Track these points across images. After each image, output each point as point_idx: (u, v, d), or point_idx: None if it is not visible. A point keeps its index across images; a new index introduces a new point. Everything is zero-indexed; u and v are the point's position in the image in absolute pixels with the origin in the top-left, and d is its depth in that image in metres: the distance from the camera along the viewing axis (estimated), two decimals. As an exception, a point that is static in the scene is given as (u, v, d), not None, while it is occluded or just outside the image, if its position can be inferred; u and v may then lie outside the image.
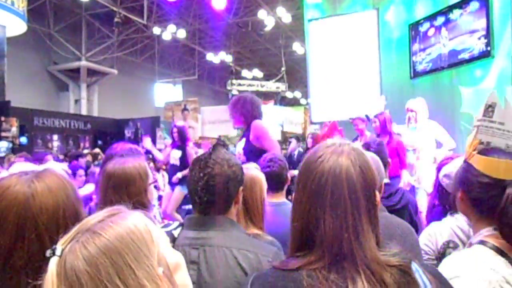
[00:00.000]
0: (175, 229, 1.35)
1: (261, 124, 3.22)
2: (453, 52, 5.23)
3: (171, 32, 15.07)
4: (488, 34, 4.71)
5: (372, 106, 5.86)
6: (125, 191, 1.54)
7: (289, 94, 22.60)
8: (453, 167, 1.79)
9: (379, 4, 6.41)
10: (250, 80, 20.11)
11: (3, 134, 9.08)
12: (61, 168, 1.93)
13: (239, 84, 19.05)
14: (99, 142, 12.29)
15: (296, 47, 17.70)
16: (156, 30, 14.82)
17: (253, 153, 3.12)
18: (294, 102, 24.00)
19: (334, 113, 6.46)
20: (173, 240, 1.31)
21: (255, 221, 1.75)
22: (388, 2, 6.37)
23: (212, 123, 19.32)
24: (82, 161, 5.37)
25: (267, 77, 21.71)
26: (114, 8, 13.10)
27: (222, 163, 1.35)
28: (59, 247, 0.64)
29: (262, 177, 1.83)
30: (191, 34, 16.93)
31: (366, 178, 0.87)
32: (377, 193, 0.90)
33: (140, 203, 1.56)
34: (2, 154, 8.29)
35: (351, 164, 0.87)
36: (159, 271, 0.68)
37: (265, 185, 1.83)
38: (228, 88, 18.94)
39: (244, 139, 3.23)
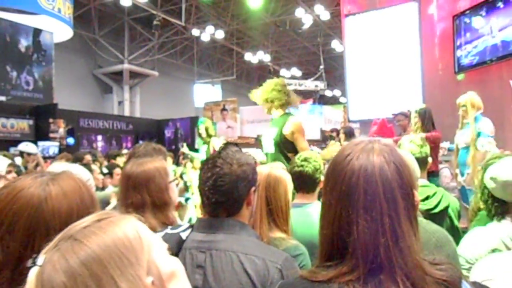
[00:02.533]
0: (183, 231, 1.30)
1: (300, 123, 3.15)
2: (503, 43, 4.89)
3: (209, 33, 15.26)
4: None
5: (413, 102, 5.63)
6: (145, 189, 1.53)
7: (328, 93, 22.26)
8: (502, 169, 1.64)
9: (421, -4, 6.12)
10: (289, 79, 19.98)
11: (51, 135, 9.52)
12: (81, 168, 1.94)
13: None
14: (141, 142, 12.63)
15: (335, 44, 17.38)
16: (195, 31, 15.05)
17: (283, 144, 3.08)
18: (333, 101, 23.61)
19: (374, 111, 6.25)
20: (181, 242, 1.27)
21: (278, 223, 1.68)
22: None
23: (251, 122, 19.40)
24: (120, 160, 5.50)
25: (305, 76, 21.49)
26: (154, 12, 13.43)
27: (231, 162, 1.29)
28: (41, 256, 0.59)
29: (287, 178, 1.75)
30: (229, 34, 17.05)
31: (402, 175, 0.78)
32: (415, 192, 0.81)
33: (161, 200, 1.54)
34: (51, 154, 8.70)
35: (385, 161, 0.78)
36: (147, 280, 0.62)
37: (290, 186, 1.75)
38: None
39: (275, 129, 3.15)
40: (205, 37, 15.45)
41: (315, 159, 2.16)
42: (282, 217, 1.68)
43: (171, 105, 17.72)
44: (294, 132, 3.10)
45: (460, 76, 5.63)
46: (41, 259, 0.59)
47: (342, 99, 24.88)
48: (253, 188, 1.33)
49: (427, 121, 4.09)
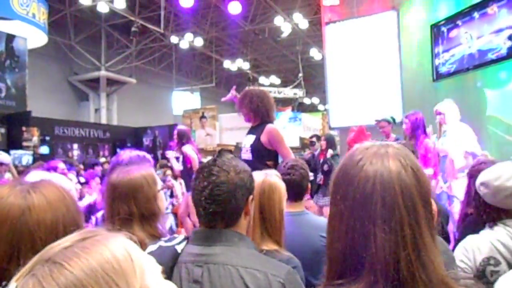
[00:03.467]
0: (178, 243, 1.22)
1: (277, 130, 3.10)
2: (479, 52, 5.01)
3: (188, 40, 15.16)
4: (516, 32, 4.48)
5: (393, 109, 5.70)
6: (133, 200, 1.44)
7: (306, 100, 22.43)
8: (493, 175, 1.63)
9: (399, 5, 6.23)
10: (268, 87, 20.03)
11: (25, 144, 9.20)
12: (61, 177, 1.84)
13: (257, 91, 18.97)
14: (118, 151, 12.39)
15: (313, 52, 17.57)
16: (174, 39, 14.93)
17: (260, 152, 3.02)
18: (311, 109, 23.81)
19: (354, 118, 6.30)
20: (176, 256, 1.19)
21: (271, 233, 1.62)
22: (408, 2, 6.18)
23: (230, 130, 19.34)
24: (98, 169, 5.35)
25: (284, 84, 21.61)
26: (132, 18, 13.26)
27: (228, 170, 1.21)
28: (12, 284, 0.50)
29: (282, 186, 1.70)
30: (208, 42, 17.00)
31: (420, 181, 0.72)
32: (432, 200, 0.75)
33: (150, 211, 1.46)
34: (24, 164, 8.39)
35: (401, 166, 0.71)
36: None
37: (285, 195, 1.70)
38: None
39: (253, 136, 3.11)
40: (184, 44, 15.34)
41: (301, 166, 2.12)
42: (275, 227, 1.62)
43: (149, 113, 17.47)
44: (272, 140, 3.04)
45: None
46: (12, 286, 0.50)
47: (320, 107, 25.17)
48: (251, 197, 1.26)
49: (419, 128, 4.13)
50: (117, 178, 1.47)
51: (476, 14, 5.02)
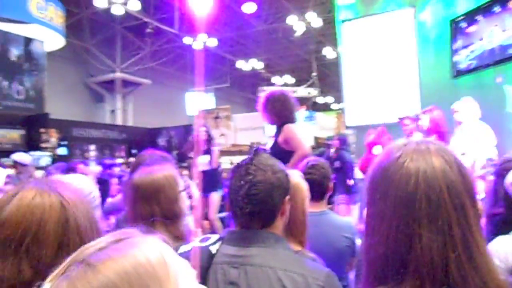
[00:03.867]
0: (213, 244, 1.20)
1: (292, 127, 3.04)
2: (500, 47, 4.89)
3: (202, 41, 15.20)
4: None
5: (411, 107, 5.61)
6: (155, 201, 1.44)
7: (320, 100, 22.29)
8: None
9: (416, 1, 6.12)
10: (282, 86, 19.98)
11: (43, 145, 9.35)
12: (82, 178, 1.84)
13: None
14: (134, 151, 12.49)
15: (327, 51, 17.45)
16: (187, 39, 14.99)
17: (279, 155, 2.95)
18: (326, 108, 23.66)
19: (371, 116, 6.21)
20: (211, 256, 1.16)
21: (295, 234, 1.59)
22: (426, -1, 6.08)
23: (244, 130, 19.35)
24: (116, 170, 5.39)
25: (298, 83, 21.52)
26: (147, 20, 13.37)
27: (265, 169, 1.19)
28: (46, 285, 0.50)
29: (305, 186, 1.68)
30: (221, 42, 17.03)
31: (465, 178, 0.68)
32: (478, 199, 0.73)
33: (172, 212, 1.45)
34: (43, 165, 8.53)
35: (445, 163, 0.68)
36: None
37: (307, 195, 1.68)
38: (259, 95, 18.87)
39: (273, 139, 3.09)
40: (198, 45, 15.39)
41: (322, 165, 2.09)
42: (298, 227, 1.60)
43: (164, 113, 17.60)
44: (288, 139, 2.98)
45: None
46: (46, 287, 0.49)
47: (334, 106, 25.00)
48: (287, 197, 1.23)
49: (438, 124, 4.06)
50: (140, 178, 1.47)
51: (497, 8, 4.90)
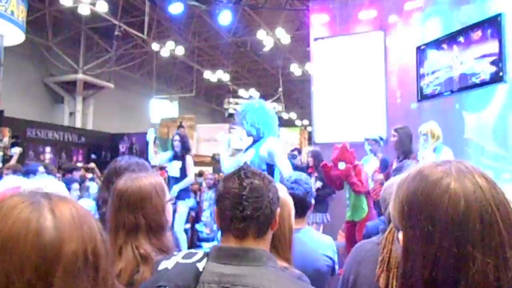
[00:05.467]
0: (199, 260, 1.11)
1: (278, 143, 3.06)
2: (463, 76, 5.15)
3: (169, 49, 15.01)
4: (500, 58, 4.64)
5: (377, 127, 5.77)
6: (140, 210, 1.35)
7: (284, 115, 22.56)
8: None
9: (386, 25, 6.37)
10: (247, 100, 20.07)
11: (-6, 144, 8.80)
12: (57, 183, 1.72)
13: (236, 103, 19.06)
14: (93, 156, 12.02)
15: (294, 68, 17.74)
16: (155, 46, 14.75)
17: (259, 167, 2.92)
18: (289, 123, 23.96)
19: (339, 134, 6.33)
20: (197, 275, 1.07)
21: (280, 251, 1.55)
22: (395, 23, 6.32)
23: (207, 141, 19.20)
24: (76, 175, 5.14)
25: (263, 97, 21.68)
26: (116, 22, 13.03)
27: (261, 176, 1.16)
28: None
29: (291, 202, 1.64)
30: (189, 51, 16.90)
31: (507, 199, 0.68)
32: None
33: (158, 223, 1.36)
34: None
35: (488, 182, 0.67)
36: None
37: (293, 211, 1.64)
38: (225, 106, 18.90)
39: (252, 150, 3.04)
40: (165, 52, 15.18)
41: (305, 180, 2.07)
42: (284, 244, 1.56)
43: (126, 119, 17.11)
44: (272, 152, 2.98)
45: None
46: None
47: (297, 122, 25.38)
48: (278, 209, 1.19)
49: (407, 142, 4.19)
50: (125, 185, 1.37)
51: (461, 39, 5.18)
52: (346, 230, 4.82)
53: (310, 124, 25.47)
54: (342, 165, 4.52)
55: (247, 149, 3.18)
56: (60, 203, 0.66)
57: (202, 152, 18.71)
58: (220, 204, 1.14)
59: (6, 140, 9.12)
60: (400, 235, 0.72)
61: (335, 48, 6.64)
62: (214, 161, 20.19)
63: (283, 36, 14.36)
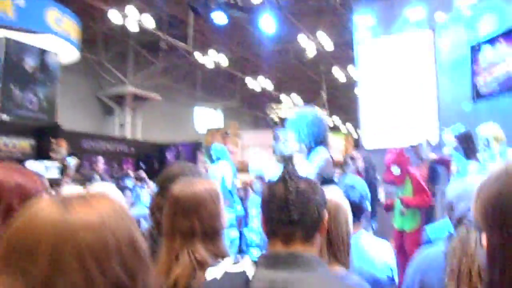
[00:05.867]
0: (248, 268, 1.08)
1: (324, 154, 2.96)
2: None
3: (213, 59, 15.30)
4: None
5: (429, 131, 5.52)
6: (196, 215, 1.35)
7: (328, 121, 22.28)
8: None
9: (435, 24, 6.11)
10: (289, 106, 20.02)
11: (53, 155, 9.30)
12: (114, 189, 1.76)
13: (279, 109, 19.09)
14: (142, 165, 12.43)
15: (337, 73, 17.52)
16: (199, 56, 15.09)
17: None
18: (334, 129, 23.62)
19: (388, 139, 6.13)
20: (247, 282, 1.04)
21: (338, 256, 1.50)
22: (446, 21, 6.05)
23: (252, 147, 19.28)
24: (128, 182, 5.31)
25: (306, 103, 21.53)
26: (160, 35, 13.48)
27: (306, 180, 1.13)
28: None
29: (348, 205, 1.59)
30: (233, 61, 17.13)
31: None
32: None
33: (213, 228, 1.36)
34: (52, 176, 8.45)
35: None
36: None
37: (350, 215, 1.58)
38: (269, 113, 18.97)
39: (310, 162, 2.98)
40: (209, 62, 15.49)
41: (362, 185, 2.00)
42: (343, 249, 1.50)
43: (173, 129, 17.60)
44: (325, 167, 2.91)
45: (466, 106, 5.53)
46: None
47: (342, 128, 24.96)
48: (326, 212, 1.15)
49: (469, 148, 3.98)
50: (180, 190, 1.38)
51: (520, 34, 4.87)
52: (395, 239, 4.62)
53: (355, 130, 25.04)
54: (395, 169, 4.36)
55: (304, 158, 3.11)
56: (96, 198, 0.67)
57: (248, 158, 18.84)
58: (266, 209, 1.13)
59: (63, 151, 9.62)
60: (484, 239, 0.67)
61: (382, 50, 6.45)
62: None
63: (326, 41, 14.23)
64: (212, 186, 1.43)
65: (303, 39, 14.19)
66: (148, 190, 5.94)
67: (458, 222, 1.38)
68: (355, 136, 23.41)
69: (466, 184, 1.50)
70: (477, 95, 5.44)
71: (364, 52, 6.68)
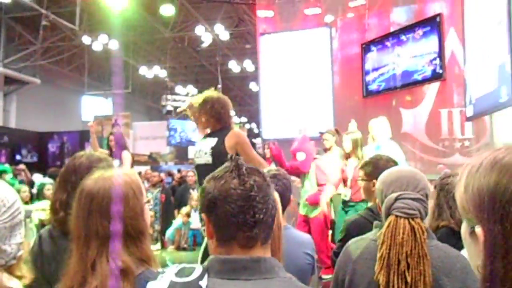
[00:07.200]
0: (200, 277, 0.90)
1: (244, 134, 2.96)
2: (405, 73, 5.36)
3: (102, 42, 14.15)
4: (440, 56, 4.88)
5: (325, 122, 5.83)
6: (116, 214, 1.13)
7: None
8: None
9: (332, 22, 6.47)
10: (185, 96, 19.65)
11: None
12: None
13: (174, 100, 18.63)
14: (18, 157, 10.98)
15: (232, 65, 17.63)
16: (86, 39, 13.82)
17: (222, 156, 2.70)
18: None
19: (286, 130, 6.32)
20: None
21: (272, 250, 1.42)
22: (341, 21, 6.44)
23: (144, 139, 18.51)
24: (6, 177, 4.60)
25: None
26: (43, 11, 11.99)
27: (256, 170, 0.97)
28: None
29: (277, 197, 1.51)
30: (123, 46, 16.09)
31: None
32: None
33: (137, 228, 1.16)
34: None
35: None
36: None
37: (280, 207, 1.51)
38: (163, 103, 18.39)
39: (214, 139, 2.87)
40: (97, 46, 14.29)
41: (284, 176, 1.95)
42: (275, 244, 1.42)
43: (55, 117, 15.87)
44: (240, 143, 2.85)
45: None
46: None
47: (235, 119, 25.36)
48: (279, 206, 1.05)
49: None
50: (95, 185, 1.15)
51: (403, 37, 5.38)
52: (299, 225, 4.77)
53: (248, 121, 25.64)
54: (301, 156, 4.47)
55: (205, 138, 2.99)
56: None
57: (139, 151, 17.98)
58: (218, 210, 0.93)
59: None
60: (478, 230, 0.63)
61: (283, 44, 6.63)
62: (152, 160, 19.53)
63: (222, 32, 14.17)
64: (133, 178, 1.21)
65: (199, 29, 13.94)
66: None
67: (388, 210, 1.40)
68: (249, 128, 24.09)
69: (396, 172, 1.54)
70: (367, 91, 5.91)
71: (265, 44, 6.79)
